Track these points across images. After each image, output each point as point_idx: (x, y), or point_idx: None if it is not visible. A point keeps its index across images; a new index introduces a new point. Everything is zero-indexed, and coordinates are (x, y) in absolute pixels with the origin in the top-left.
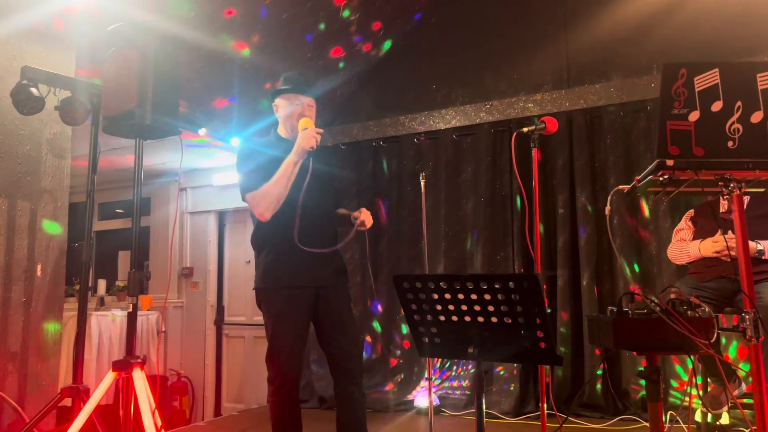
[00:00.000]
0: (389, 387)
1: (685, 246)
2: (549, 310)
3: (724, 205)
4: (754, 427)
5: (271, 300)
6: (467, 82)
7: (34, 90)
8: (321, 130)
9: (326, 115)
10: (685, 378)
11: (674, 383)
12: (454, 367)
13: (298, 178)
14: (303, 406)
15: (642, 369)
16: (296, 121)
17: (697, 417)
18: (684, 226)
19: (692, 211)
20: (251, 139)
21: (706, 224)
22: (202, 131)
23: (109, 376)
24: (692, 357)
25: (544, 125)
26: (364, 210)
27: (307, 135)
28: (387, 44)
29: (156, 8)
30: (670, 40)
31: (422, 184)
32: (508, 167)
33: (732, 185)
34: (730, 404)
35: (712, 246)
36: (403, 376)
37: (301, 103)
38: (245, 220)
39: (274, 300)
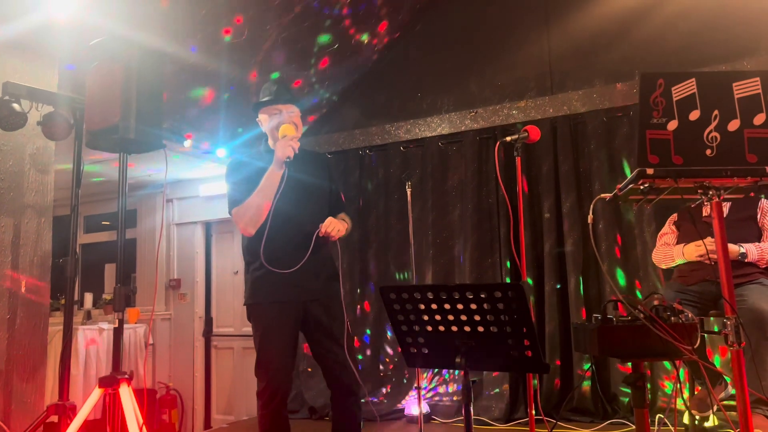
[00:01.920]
0: (379, 396)
1: (669, 250)
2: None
3: (707, 209)
4: (738, 430)
5: (259, 314)
6: (452, 89)
7: (16, 105)
8: (297, 135)
9: (312, 125)
10: (673, 380)
11: (667, 383)
12: (444, 375)
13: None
14: (293, 416)
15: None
16: (276, 128)
17: (685, 420)
18: (668, 231)
19: (676, 215)
20: (241, 151)
21: (690, 228)
22: (187, 143)
23: (96, 393)
24: (677, 362)
25: (526, 134)
26: (329, 219)
27: (282, 145)
28: (366, 37)
29: (139, 22)
30: (650, 46)
31: (408, 192)
32: (494, 174)
33: (711, 192)
34: (716, 407)
35: (695, 250)
36: (392, 384)
37: (279, 112)
38: (232, 231)
39: (262, 314)
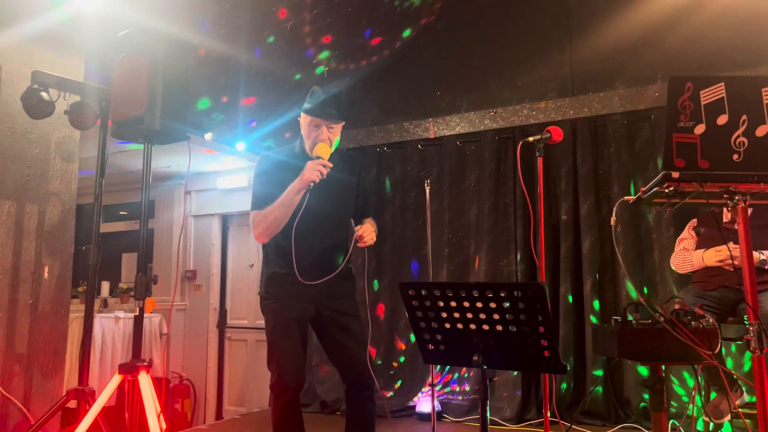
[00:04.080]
0: (390, 393)
1: (688, 255)
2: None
3: (727, 215)
4: None
5: (271, 308)
6: (472, 89)
7: (44, 94)
8: (328, 163)
9: None
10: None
11: (679, 390)
12: (456, 373)
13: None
14: (305, 410)
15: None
16: (311, 144)
17: (700, 426)
18: (687, 236)
19: (695, 220)
20: (272, 150)
21: (709, 234)
22: (208, 136)
23: (116, 379)
24: (696, 367)
25: (549, 135)
26: (365, 225)
27: (311, 167)
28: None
29: (166, 14)
30: (673, 51)
31: (427, 190)
32: (512, 174)
33: (737, 198)
34: (732, 413)
35: (715, 255)
36: (404, 381)
37: (318, 126)
38: (249, 224)
39: (274, 308)
